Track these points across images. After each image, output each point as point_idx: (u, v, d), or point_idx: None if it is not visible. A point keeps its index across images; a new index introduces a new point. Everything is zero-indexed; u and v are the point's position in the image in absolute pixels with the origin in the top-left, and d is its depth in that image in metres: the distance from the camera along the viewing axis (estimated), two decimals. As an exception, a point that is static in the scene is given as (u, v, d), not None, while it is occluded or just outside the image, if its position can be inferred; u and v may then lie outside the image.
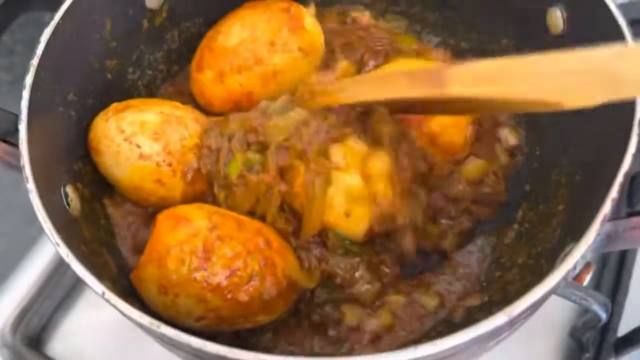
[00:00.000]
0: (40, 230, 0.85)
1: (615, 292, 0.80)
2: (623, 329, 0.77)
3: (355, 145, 0.61)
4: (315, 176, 0.60)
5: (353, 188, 0.60)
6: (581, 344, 0.78)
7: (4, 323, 0.81)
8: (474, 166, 0.71)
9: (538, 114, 0.73)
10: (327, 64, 0.77)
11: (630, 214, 0.52)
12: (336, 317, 0.65)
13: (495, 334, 0.47)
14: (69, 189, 0.61)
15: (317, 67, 0.76)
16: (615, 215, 0.53)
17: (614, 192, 0.49)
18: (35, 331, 0.83)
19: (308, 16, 0.73)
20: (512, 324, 0.46)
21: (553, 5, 0.67)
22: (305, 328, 0.64)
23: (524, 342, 0.78)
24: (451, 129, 0.66)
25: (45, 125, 0.60)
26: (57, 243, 0.49)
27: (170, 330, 0.44)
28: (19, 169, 0.55)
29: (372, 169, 0.61)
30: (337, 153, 0.61)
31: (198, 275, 0.55)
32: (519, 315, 0.44)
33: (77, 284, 0.87)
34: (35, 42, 0.60)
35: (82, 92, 0.67)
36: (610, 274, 0.82)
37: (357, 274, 0.65)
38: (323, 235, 0.65)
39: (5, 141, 0.59)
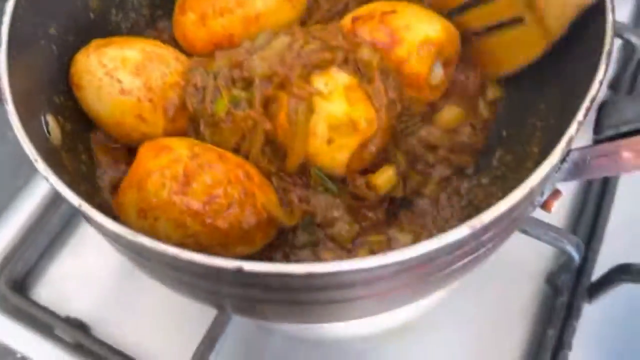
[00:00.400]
0: (26, 181, 0.88)
1: (591, 237, 0.82)
2: (597, 274, 0.79)
3: (338, 75, 0.62)
4: (298, 103, 0.60)
5: (336, 116, 0.61)
6: (556, 288, 0.79)
7: None
8: (450, 114, 0.72)
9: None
10: (310, 10, 0.77)
11: (597, 142, 0.53)
12: (313, 260, 0.66)
13: (461, 246, 0.48)
14: (50, 119, 0.61)
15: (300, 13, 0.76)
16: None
17: (580, 115, 0.50)
18: (20, 276, 0.84)
19: None
20: (476, 237, 0.47)
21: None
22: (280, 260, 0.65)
23: (500, 288, 0.81)
24: (416, 56, 0.67)
25: (26, 54, 0.60)
26: (35, 159, 0.50)
27: (148, 240, 0.45)
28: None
29: (356, 99, 0.62)
30: (319, 80, 0.61)
31: (177, 199, 0.56)
32: (483, 229, 0.45)
33: (63, 231, 0.88)
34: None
35: (64, 28, 0.67)
36: (586, 219, 0.84)
37: (336, 214, 0.66)
38: (305, 174, 0.66)
39: (-14, 68, 0.59)
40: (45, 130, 0.59)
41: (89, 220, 0.49)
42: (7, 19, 0.58)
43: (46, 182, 0.50)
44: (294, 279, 0.44)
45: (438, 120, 0.72)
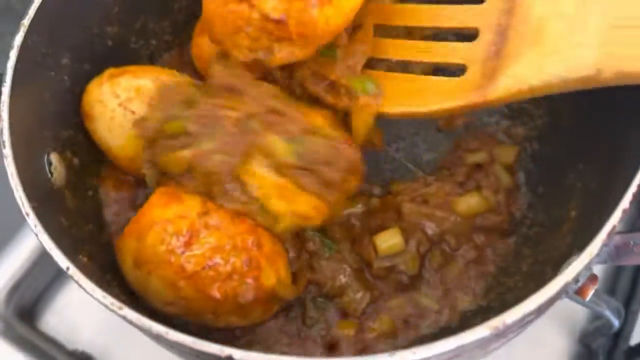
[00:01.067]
0: None
1: (630, 299, 0.76)
2: (636, 337, 0.73)
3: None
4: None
5: (283, 213, 0.57)
6: (591, 350, 0.74)
7: None
8: (470, 202, 0.66)
9: (560, 108, 0.69)
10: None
11: (643, 227, 0.47)
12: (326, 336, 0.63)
13: (483, 345, 0.43)
14: (54, 158, 0.58)
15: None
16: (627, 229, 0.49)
17: (625, 202, 0.44)
18: (28, 305, 0.82)
19: None
20: (501, 335, 0.42)
21: None
22: (292, 335, 0.62)
23: (532, 345, 0.75)
24: None
25: (33, 89, 0.57)
26: (27, 213, 0.47)
27: (133, 314, 0.42)
28: None
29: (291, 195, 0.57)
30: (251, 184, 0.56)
31: (174, 258, 0.53)
32: (506, 328, 0.40)
33: None
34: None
35: (78, 57, 0.64)
36: (625, 281, 0.78)
37: (343, 279, 0.62)
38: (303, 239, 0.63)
39: (-10, 103, 0.56)
40: (47, 171, 0.56)
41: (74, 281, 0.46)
42: (14, 53, 0.55)
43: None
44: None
45: (457, 207, 0.66)
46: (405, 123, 0.74)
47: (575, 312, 0.77)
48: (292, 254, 0.60)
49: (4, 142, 0.51)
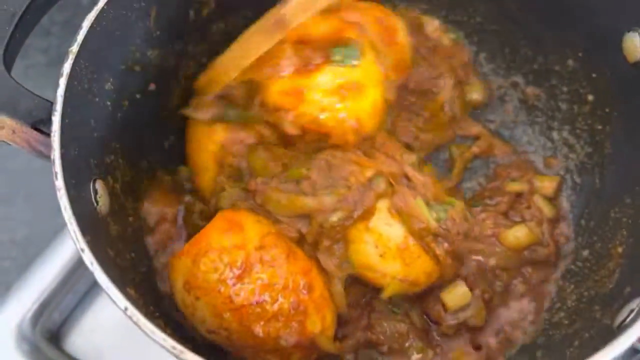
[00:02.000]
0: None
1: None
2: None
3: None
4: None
5: (393, 276, 0.57)
6: None
7: (24, 316, 0.78)
8: (521, 235, 0.65)
9: (602, 138, 0.68)
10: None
11: None
12: None
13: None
14: (99, 185, 0.57)
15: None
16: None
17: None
18: (55, 326, 0.81)
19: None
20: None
21: (632, 30, 0.62)
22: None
23: None
24: None
25: (80, 116, 0.56)
26: (82, 249, 0.46)
27: (195, 358, 0.41)
28: (48, 158, 0.52)
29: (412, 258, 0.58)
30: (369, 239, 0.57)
31: (224, 288, 0.52)
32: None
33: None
34: (72, 24, 0.57)
35: (120, 82, 0.64)
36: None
37: (407, 343, 0.61)
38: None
39: (37, 129, 0.55)
40: (94, 199, 0.56)
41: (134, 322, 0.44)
42: (63, 81, 0.54)
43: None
44: None
45: (506, 240, 0.65)
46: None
47: None
48: (355, 313, 0.59)
49: (56, 173, 0.50)
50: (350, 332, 0.60)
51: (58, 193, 0.49)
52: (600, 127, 0.70)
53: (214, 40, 0.76)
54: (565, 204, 0.70)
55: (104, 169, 0.60)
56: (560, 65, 0.73)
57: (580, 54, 0.70)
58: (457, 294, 0.60)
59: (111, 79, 0.62)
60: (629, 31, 0.62)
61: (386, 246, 0.56)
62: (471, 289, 0.61)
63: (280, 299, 0.52)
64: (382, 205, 0.56)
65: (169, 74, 0.72)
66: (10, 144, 0.58)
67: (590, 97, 0.71)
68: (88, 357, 0.79)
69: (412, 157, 0.61)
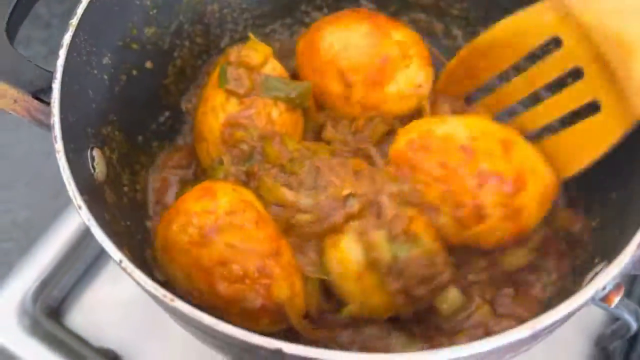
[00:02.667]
0: (66, 202, 0.86)
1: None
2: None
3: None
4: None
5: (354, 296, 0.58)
6: (607, 353, 0.76)
7: (25, 292, 0.81)
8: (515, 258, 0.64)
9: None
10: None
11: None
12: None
13: (516, 347, 0.45)
14: (96, 153, 0.60)
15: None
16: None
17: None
18: (55, 302, 0.83)
19: None
20: (535, 337, 0.45)
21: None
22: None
23: (550, 348, 0.75)
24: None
25: (78, 87, 0.59)
26: (79, 206, 0.49)
27: (185, 306, 0.44)
28: (48, 127, 0.55)
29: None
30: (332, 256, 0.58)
31: (193, 250, 0.54)
32: (542, 330, 0.43)
33: (99, 258, 0.86)
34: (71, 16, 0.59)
35: (118, 57, 0.66)
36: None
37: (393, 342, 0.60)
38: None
39: (37, 98, 0.58)
40: (91, 166, 0.58)
41: (128, 274, 0.47)
42: (63, 51, 0.57)
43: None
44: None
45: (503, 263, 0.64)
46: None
47: (593, 315, 0.79)
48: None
49: (55, 137, 0.52)
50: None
51: (57, 155, 0.51)
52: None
53: (210, 22, 0.79)
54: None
55: (101, 139, 0.63)
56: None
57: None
58: (449, 300, 0.59)
59: (109, 54, 0.65)
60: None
61: (347, 268, 0.56)
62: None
63: (246, 262, 0.54)
64: (353, 225, 0.57)
65: (165, 53, 0.75)
66: (11, 113, 0.60)
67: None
68: (87, 332, 0.81)
69: (394, 188, 0.58)
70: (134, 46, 0.70)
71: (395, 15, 0.83)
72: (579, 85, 0.58)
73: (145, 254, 0.63)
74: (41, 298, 0.81)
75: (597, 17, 0.54)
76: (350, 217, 0.57)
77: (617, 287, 0.51)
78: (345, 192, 0.57)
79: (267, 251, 0.55)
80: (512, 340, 0.42)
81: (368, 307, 0.57)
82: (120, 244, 0.54)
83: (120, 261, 0.46)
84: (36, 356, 0.77)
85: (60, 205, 0.86)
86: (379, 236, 0.55)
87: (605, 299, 0.51)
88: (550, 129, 0.63)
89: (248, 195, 0.59)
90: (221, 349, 0.52)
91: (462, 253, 0.60)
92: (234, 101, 0.65)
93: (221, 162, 0.64)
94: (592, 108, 0.57)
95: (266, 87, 0.65)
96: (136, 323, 0.80)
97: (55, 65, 0.56)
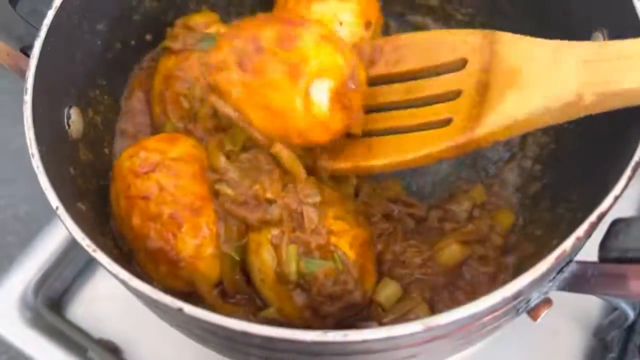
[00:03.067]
0: None
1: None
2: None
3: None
4: None
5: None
6: (605, 343, 0.75)
7: (26, 285, 0.82)
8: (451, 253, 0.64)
9: (564, 135, 0.70)
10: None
11: (603, 260, 0.48)
12: None
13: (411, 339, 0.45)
14: (74, 112, 0.63)
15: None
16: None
17: (580, 230, 0.45)
18: (56, 295, 0.84)
19: None
20: (435, 337, 0.44)
21: (597, 30, 0.63)
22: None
23: (548, 338, 0.77)
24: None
25: (65, 48, 0.62)
26: (32, 154, 0.52)
27: (104, 258, 0.46)
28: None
29: None
30: None
31: (128, 177, 0.59)
32: (439, 328, 0.42)
33: None
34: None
35: (114, 25, 0.70)
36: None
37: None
38: None
39: (26, 54, 0.62)
40: (65, 123, 0.61)
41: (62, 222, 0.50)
42: (51, 12, 0.60)
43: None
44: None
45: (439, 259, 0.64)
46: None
47: (590, 306, 0.78)
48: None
49: (26, 89, 0.56)
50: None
51: (24, 106, 0.54)
52: (565, 124, 0.71)
53: (216, 2, 0.81)
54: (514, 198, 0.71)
55: (85, 100, 0.66)
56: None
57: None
58: (388, 293, 0.60)
59: (104, 21, 0.68)
60: (595, 31, 0.63)
61: (266, 274, 0.57)
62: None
63: (164, 205, 0.56)
64: (271, 234, 0.57)
65: (166, 27, 0.77)
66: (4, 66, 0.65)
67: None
68: (88, 324, 0.82)
69: (317, 198, 0.58)
70: (135, 17, 0.73)
71: (401, 16, 0.84)
72: (449, 104, 0.58)
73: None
74: (42, 291, 0.82)
75: (511, 52, 0.55)
76: (266, 223, 0.57)
77: (545, 301, 0.50)
78: (268, 195, 0.57)
79: (187, 204, 0.57)
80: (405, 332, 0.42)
81: (284, 315, 0.58)
82: (76, 198, 0.57)
83: (57, 208, 0.49)
84: (37, 348, 0.79)
85: None
86: (290, 250, 0.55)
87: (531, 312, 0.50)
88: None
89: (202, 154, 0.61)
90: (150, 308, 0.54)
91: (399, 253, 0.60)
92: (172, 58, 0.68)
93: (167, 117, 0.67)
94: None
95: (201, 43, 0.68)
96: (135, 316, 0.80)
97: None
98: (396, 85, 0.62)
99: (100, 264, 0.46)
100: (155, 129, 0.70)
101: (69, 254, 0.85)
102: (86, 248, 0.47)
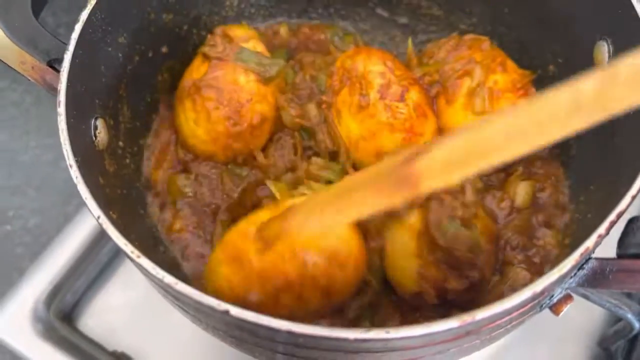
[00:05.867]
0: (77, 208, 0.91)
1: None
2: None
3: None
4: None
5: None
6: (610, 353, 0.77)
7: (38, 297, 0.83)
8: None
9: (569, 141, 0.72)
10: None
11: (620, 256, 0.51)
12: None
13: (454, 338, 0.47)
14: (100, 123, 0.65)
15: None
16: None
17: (602, 229, 0.48)
18: (68, 307, 0.85)
19: None
20: (468, 330, 0.47)
21: (601, 39, 0.66)
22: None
23: (552, 348, 0.79)
24: None
25: (91, 60, 0.64)
26: (70, 165, 0.53)
27: (147, 263, 0.48)
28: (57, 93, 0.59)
29: None
30: None
31: None
32: (474, 324, 0.45)
33: (111, 263, 0.88)
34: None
35: (134, 38, 0.71)
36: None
37: None
38: None
39: (52, 67, 0.63)
40: (92, 134, 0.63)
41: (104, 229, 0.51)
42: (79, 26, 0.62)
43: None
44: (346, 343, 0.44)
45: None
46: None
47: (595, 316, 0.81)
48: None
49: (59, 101, 0.57)
50: None
51: (58, 118, 0.56)
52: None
53: (227, 15, 0.84)
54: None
55: (108, 111, 0.68)
56: (542, 69, 0.77)
57: (560, 60, 0.75)
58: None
59: (125, 34, 0.70)
60: (599, 40, 0.66)
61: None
62: None
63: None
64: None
65: (181, 40, 0.80)
66: (29, 79, 0.66)
67: (566, 102, 0.75)
68: (100, 336, 0.83)
69: (480, 184, 0.66)
70: (152, 29, 0.75)
71: (407, 24, 0.87)
72: None
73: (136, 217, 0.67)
74: (54, 303, 0.83)
75: None
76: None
77: (566, 297, 0.53)
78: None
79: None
80: (444, 328, 0.44)
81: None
82: (107, 207, 0.58)
83: (99, 217, 0.51)
84: None
85: (70, 211, 0.89)
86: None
87: (553, 307, 0.53)
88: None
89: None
90: (184, 311, 0.56)
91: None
92: (205, 64, 0.71)
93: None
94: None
95: (239, 55, 0.70)
96: (148, 327, 0.82)
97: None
98: None
99: (144, 270, 0.48)
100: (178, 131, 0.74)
101: (80, 266, 0.86)
102: (130, 255, 0.48)
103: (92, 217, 0.50)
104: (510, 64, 0.73)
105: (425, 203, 0.61)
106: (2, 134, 1.03)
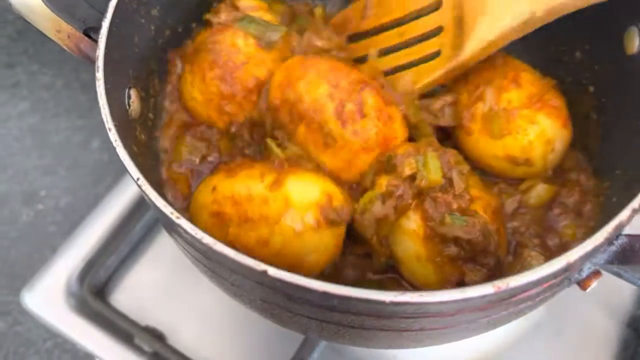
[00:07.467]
0: (107, 189, 0.93)
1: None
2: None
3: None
4: None
5: None
6: (638, 333, 0.78)
7: (71, 273, 0.85)
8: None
9: (595, 127, 0.73)
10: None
11: (652, 232, 0.51)
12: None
13: (487, 306, 0.48)
14: (133, 93, 0.66)
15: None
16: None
17: (635, 203, 0.49)
18: (100, 283, 0.87)
19: None
20: (500, 298, 0.47)
21: (632, 24, 0.66)
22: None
23: (581, 328, 0.81)
24: None
25: (125, 30, 0.64)
26: (109, 128, 0.54)
27: (188, 224, 0.48)
28: (92, 61, 0.60)
29: None
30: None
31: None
32: (508, 292, 0.45)
33: (142, 241, 0.91)
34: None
35: (166, 11, 0.72)
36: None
37: None
38: None
39: (87, 35, 0.64)
40: (126, 103, 0.64)
41: (145, 195, 0.52)
42: (115, -3, 0.62)
43: (133, 184, 0.52)
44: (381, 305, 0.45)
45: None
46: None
47: (624, 297, 0.82)
48: None
49: (98, 67, 0.58)
50: None
51: (97, 82, 0.57)
52: (595, 116, 0.74)
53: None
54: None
55: (140, 83, 0.69)
56: (568, 56, 0.78)
57: (587, 46, 0.75)
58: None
59: (158, 7, 0.71)
60: (630, 26, 0.67)
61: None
62: None
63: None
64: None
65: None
66: (65, 49, 0.67)
67: (591, 88, 0.75)
68: (131, 310, 0.85)
69: (466, 168, 0.65)
70: (183, 4, 0.76)
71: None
72: (435, 40, 0.71)
73: (165, 190, 0.68)
74: (87, 278, 0.85)
75: None
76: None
77: (595, 273, 0.53)
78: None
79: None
80: (479, 294, 0.45)
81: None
82: (143, 172, 0.59)
83: (138, 179, 0.51)
84: (84, 334, 0.81)
85: (100, 191, 0.92)
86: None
87: (581, 282, 0.53)
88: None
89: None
90: (220, 280, 0.57)
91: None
92: (208, 31, 0.73)
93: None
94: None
95: (241, 21, 0.71)
96: (177, 303, 0.84)
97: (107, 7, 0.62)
98: (389, 32, 0.75)
99: (182, 231, 0.49)
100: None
101: (112, 243, 0.88)
102: (170, 216, 0.49)
103: (125, 196, 0.50)
104: (526, 76, 0.71)
105: (418, 206, 0.61)
106: (33, 116, 1.05)
